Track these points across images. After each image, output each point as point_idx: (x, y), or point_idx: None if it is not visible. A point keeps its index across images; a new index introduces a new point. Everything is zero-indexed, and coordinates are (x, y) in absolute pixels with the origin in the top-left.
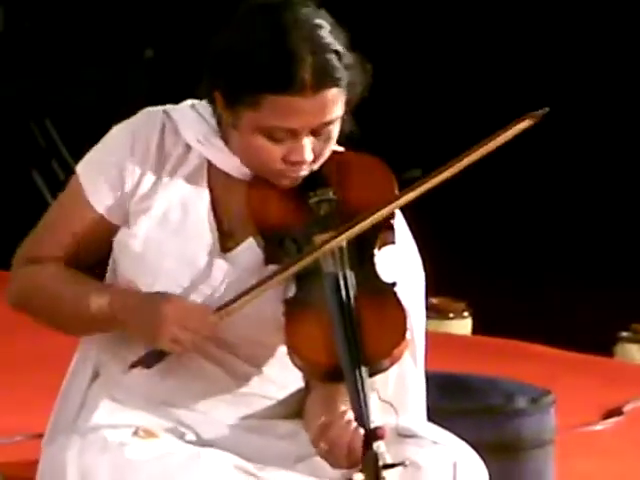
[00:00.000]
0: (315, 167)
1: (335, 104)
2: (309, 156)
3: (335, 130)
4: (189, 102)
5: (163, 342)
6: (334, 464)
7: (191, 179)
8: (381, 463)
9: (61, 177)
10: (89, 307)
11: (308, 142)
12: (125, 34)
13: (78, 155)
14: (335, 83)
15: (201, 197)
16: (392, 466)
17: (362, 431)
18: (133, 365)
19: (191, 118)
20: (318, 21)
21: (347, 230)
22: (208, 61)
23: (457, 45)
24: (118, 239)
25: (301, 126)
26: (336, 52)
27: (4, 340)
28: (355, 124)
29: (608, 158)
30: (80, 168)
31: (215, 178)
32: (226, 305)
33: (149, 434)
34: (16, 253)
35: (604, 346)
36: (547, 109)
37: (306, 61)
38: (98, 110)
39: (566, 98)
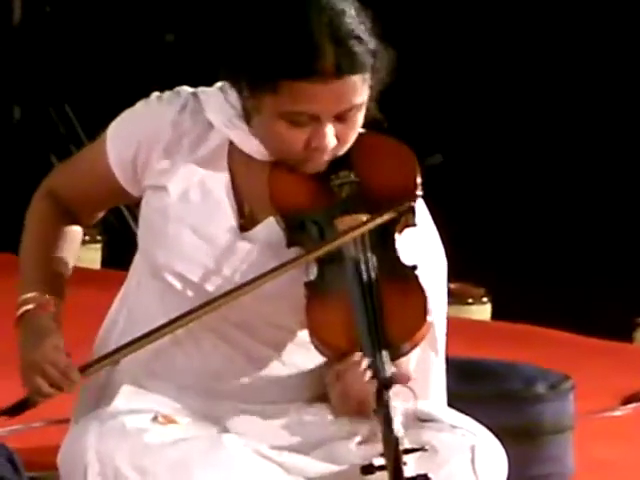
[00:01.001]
0: (340, 153)
1: (357, 91)
2: (331, 142)
3: (360, 116)
4: (219, 84)
5: (25, 381)
6: (344, 411)
7: (211, 159)
8: (401, 448)
9: None
10: (25, 274)
11: (331, 128)
12: (145, 19)
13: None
14: (356, 70)
15: (221, 178)
16: (413, 451)
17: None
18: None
19: (217, 100)
20: (341, 7)
21: (372, 221)
22: (228, 46)
23: (480, 30)
24: (142, 214)
25: (322, 112)
26: (358, 38)
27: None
28: (378, 110)
29: (632, 146)
30: (110, 127)
31: (236, 160)
32: (91, 365)
33: (168, 420)
34: (43, 180)
35: (624, 332)
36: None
37: (327, 48)
38: (118, 96)
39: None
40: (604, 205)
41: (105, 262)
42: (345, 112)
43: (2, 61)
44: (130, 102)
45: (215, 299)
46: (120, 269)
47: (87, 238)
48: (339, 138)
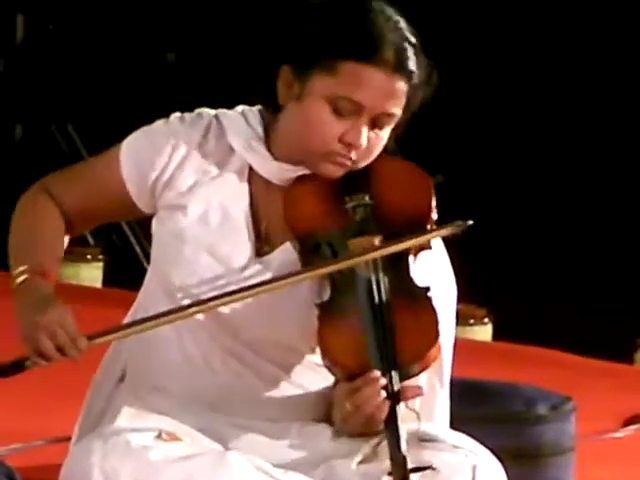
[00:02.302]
0: (359, 165)
1: (401, 97)
2: (364, 140)
3: (388, 129)
4: (239, 108)
5: (28, 341)
6: (351, 426)
7: (232, 183)
8: (409, 467)
9: None
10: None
11: (365, 129)
12: (147, 38)
13: None
14: (408, 74)
15: (241, 201)
16: (420, 469)
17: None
18: None
19: (239, 124)
20: (399, 17)
21: (383, 248)
22: (278, 34)
23: (478, 51)
24: (156, 235)
25: (370, 102)
26: (414, 46)
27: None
28: (394, 140)
29: (636, 170)
30: (126, 142)
31: (255, 184)
32: (99, 335)
33: (172, 437)
34: (42, 178)
35: (624, 353)
36: (471, 222)
37: (392, 40)
38: (120, 114)
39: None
40: (606, 227)
41: (106, 281)
42: (383, 116)
43: (5, 79)
44: (132, 120)
45: (225, 294)
46: (121, 288)
47: (89, 257)
48: (366, 146)
